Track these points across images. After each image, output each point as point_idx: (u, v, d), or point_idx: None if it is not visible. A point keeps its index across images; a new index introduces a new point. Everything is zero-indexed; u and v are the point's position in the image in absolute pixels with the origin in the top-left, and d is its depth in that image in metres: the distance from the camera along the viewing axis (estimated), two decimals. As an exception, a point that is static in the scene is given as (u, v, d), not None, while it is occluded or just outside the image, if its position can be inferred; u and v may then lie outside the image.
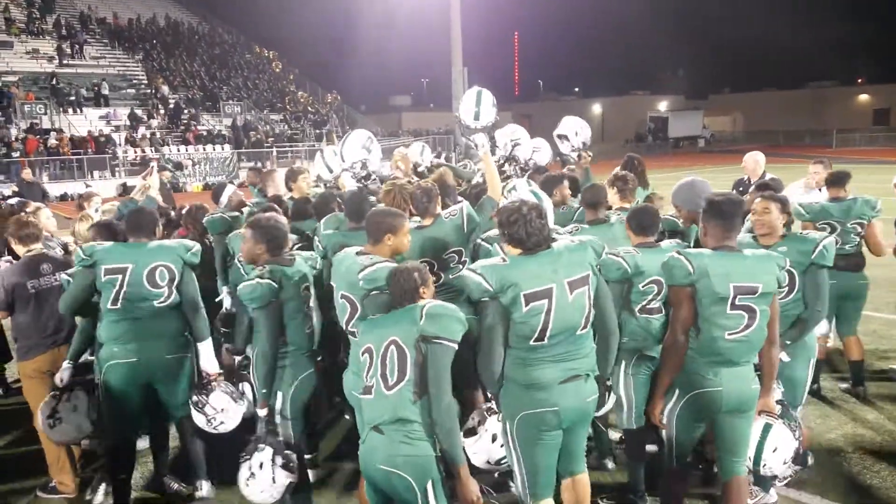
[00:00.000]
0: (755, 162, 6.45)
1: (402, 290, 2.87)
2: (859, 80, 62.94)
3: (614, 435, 4.51)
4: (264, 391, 3.41)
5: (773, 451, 3.23)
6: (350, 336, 3.36)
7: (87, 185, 15.16)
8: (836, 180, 5.19)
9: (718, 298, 3.01)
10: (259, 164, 29.09)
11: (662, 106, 61.68)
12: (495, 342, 2.89)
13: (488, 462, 3.34)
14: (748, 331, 3.06)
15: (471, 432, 3.32)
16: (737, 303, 3.02)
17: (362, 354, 2.83)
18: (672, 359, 3.16)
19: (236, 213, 5.27)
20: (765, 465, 3.27)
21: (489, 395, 3.44)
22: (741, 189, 6.20)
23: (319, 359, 3.74)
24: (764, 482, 3.70)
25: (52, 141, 26.54)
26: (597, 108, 62.83)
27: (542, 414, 2.91)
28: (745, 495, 3.28)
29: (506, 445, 3.09)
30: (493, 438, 3.28)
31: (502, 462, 3.31)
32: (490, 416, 3.32)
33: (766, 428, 3.23)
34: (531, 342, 2.88)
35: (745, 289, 3.02)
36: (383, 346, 2.74)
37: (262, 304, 3.32)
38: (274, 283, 3.32)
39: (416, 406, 2.68)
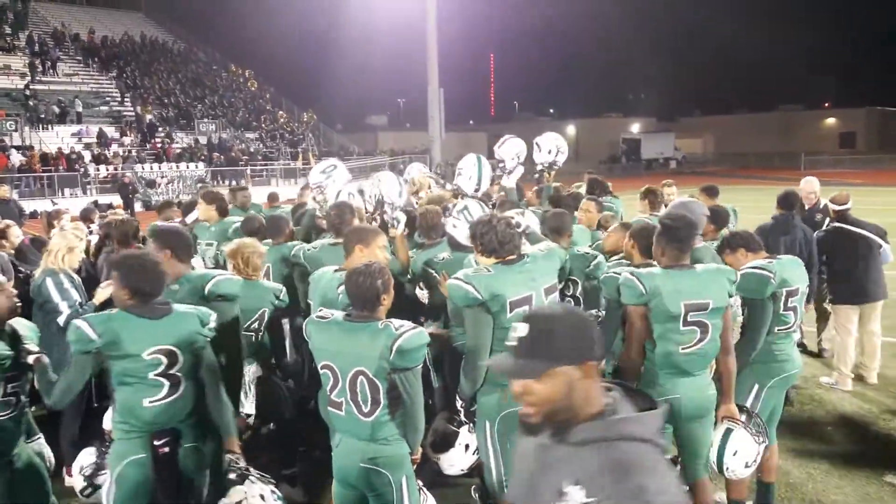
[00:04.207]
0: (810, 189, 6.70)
1: (361, 296, 2.73)
2: (826, 104, 64.57)
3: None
4: None
5: (734, 454, 3.30)
6: None
7: (54, 203, 14.85)
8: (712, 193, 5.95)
9: (671, 316, 3.10)
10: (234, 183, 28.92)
11: (635, 128, 62.57)
12: (485, 346, 3.03)
13: (461, 470, 3.41)
14: (701, 344, 3.16)
15: (442, 447, 3.35)
16: (689, 319, 3.11)
17: (322, 368, 2.78)
18: (629, 372, 3.26)
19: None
20: (727, 468, 3.34)
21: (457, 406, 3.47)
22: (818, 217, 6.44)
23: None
24: None
25: (17, 158, 26.03)
26: (571, 129, 63.50)
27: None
28: (710, 496, 3.37)
29: (483, 445, 3.18)
30: (466, 448, 3.34)
31: (471, 467, 3.40)
32: (461, 427, 3.35)
33: (727, 433, 3.31)
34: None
35: (696, 305, 3.11)
36: (349, 374, 2.70)
37: None
38: None
39: (393, 422, 2.74)
